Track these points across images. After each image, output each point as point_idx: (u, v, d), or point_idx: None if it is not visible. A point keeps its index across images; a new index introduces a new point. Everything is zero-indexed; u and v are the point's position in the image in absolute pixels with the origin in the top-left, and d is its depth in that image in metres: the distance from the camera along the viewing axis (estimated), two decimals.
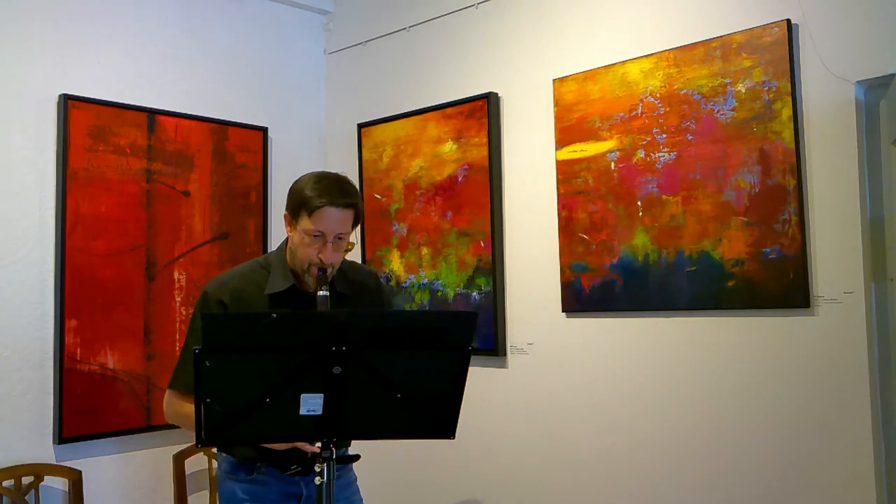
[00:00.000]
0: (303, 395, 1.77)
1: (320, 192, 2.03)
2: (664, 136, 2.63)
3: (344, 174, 2.15)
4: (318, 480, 1.84)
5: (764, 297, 2.40)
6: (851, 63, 2.29)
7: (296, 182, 2.10)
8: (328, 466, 1.88)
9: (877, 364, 2.26)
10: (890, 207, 2.29)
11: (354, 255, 3.12)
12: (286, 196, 2.10)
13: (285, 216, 2.11)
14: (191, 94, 3.32)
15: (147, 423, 3.05)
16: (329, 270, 2.05)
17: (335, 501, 2.05)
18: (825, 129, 2.34)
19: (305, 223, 2.03)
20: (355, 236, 3.48)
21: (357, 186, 2.22)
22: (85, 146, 2.96)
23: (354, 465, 2.24)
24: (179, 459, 3.09)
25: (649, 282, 2.64)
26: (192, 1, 3.37)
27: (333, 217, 2.02)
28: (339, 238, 2.05)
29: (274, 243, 3.52)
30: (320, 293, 1.99)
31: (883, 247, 2.29)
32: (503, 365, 3.05)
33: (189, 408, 2.01)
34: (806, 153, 2.36)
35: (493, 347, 3.05)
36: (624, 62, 2.73)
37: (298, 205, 2.05)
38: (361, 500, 2.33)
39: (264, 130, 3.52)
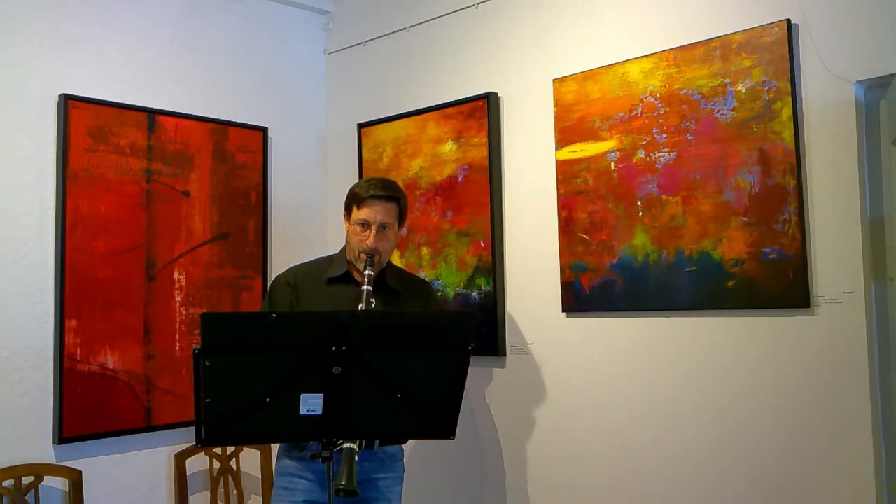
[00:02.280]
0: (303, 395, 1.77)
1: (367, 187, 2.45)
2: (664, 136, 2.63)
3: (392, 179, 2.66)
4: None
5: (764, 297, 2.40)
6: (851, 63, 2.29)
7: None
8: (329, 466, 1.89)
9: (877, 364, 2.26)
10: (890, 207, 2.29)
11: None
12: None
13: (344, 215, 2.52)
14: (191, 94, 3.32)
15: (147, 423, 3.05)
16: (376, 258, 2.38)
17: (375, 484, 2.35)
18: (825, 129, 2.34)
19: (355, 214, 2.44)
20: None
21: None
22: (85, 146, 2.96)
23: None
24: (179, 459, 3.09)
25: (649, 282, 2.64)
26: (192, 1, 3.37)
27: (376, 207, 2.41)
28: (384, 227, 2.41)
29: (274, 243, 3.52)
30: (364, 287, 2.29)
31: (883, 247, 2.29)
32: (503, 365, 3.05)
33: None
34: (806, 153, 2.36)
35: (493, 347, 3.04)
36: (624, 62, 2.73)
37: (350, 200, 2.48)
38: (400, 493, 2.46)
39: (264, 130, 3.52)
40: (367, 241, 2.38)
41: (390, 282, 2.51)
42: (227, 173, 3.38)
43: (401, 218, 2.50)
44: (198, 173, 3.29)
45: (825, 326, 2.31)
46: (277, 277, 2.58)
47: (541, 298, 2.94)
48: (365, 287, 2.30)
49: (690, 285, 2.55)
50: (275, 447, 2.56)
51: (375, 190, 2.43)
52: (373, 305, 2.29)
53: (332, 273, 2.49)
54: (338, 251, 2.60)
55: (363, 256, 2.39)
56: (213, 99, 3.38)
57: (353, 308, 2.29)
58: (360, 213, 2.42)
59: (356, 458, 1.92)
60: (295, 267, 2.58)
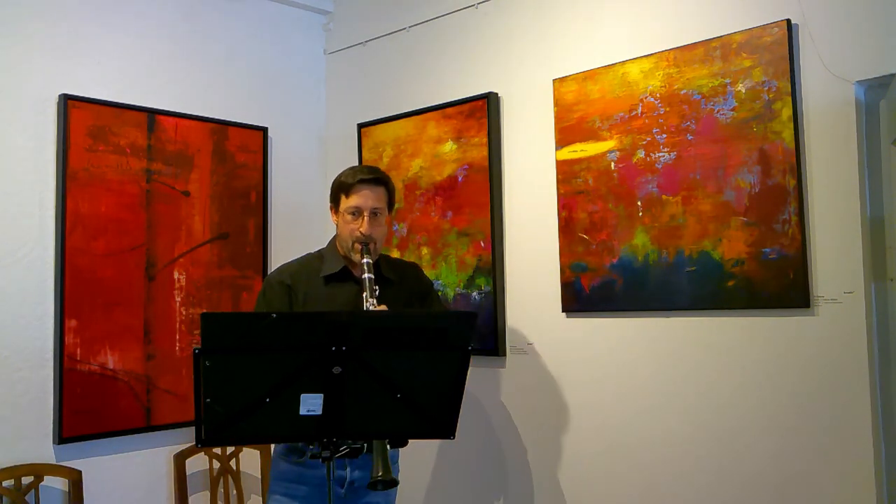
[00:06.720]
0: (303, 395, 1.77)
1: (353, 174, 2.39)
2: (664, 136, 2.63)
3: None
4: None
5: (764, 297, 2.40)
6: (851, 63, 2.29)
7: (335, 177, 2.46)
8: (330, 466, 1.89)
9: (877, 364, 2.26)
10: (890, 207, 2.29)
11: None
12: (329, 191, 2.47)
13: (330, 208, 2.45)
14: (191, 94, 3.32)
15: (147, 423, 3.05)
16: (371, 246, 2.34)
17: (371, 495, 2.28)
18: (825, 129, 2.34)
19: (344, 203, 2.37)
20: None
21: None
22: (85, 146, 2.96)
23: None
24: (179, 459, 3.09)
25: (649, 282, 2.64)
26: (193, 1, 3.37)
27: (366, 193, 2.36)
28: (375, 214, 2.37)
29: (274, 243, 3.52)
30: (365, 276, 2.26)
31: (883, 247, 2.29)
32: (503, 365, 3.05)
33: None
34: (806, 153, 2.36)
35: (493, 347, 3.04)
36: (624, 62, 2.73)
37: (337, 190, 2.41)
38: (395, 495, 2.43)
39: (264, 130, 3.52)
40: (361, 229, 2.33)
41: (385, 272, 2.44)
42: (227, 173, 3.38)
43: (390, 203, 2.45)
44: (198, 173, 3.29)
45: (825, 326, 2.31)
46: (269, 278, 2.48)
47: (541, 298, 2.94)
48: (366, 276, 2.25)
49: (690, 285, 2.55)
50: (275, 448, 2.54)
51: (363, 174, 2.38)
52: (377, 293, 2.25)
53: (328, 270, 2.40)
54: (325, 247, 2.50)
55: (357, 246, 2.33)
56: (213, 99, 3.38)
57: (356, 306, 2.27)
58: (350, 201, 2.35)
59: (387, 448, 2.03)
60: (285, 266, 2.47)
